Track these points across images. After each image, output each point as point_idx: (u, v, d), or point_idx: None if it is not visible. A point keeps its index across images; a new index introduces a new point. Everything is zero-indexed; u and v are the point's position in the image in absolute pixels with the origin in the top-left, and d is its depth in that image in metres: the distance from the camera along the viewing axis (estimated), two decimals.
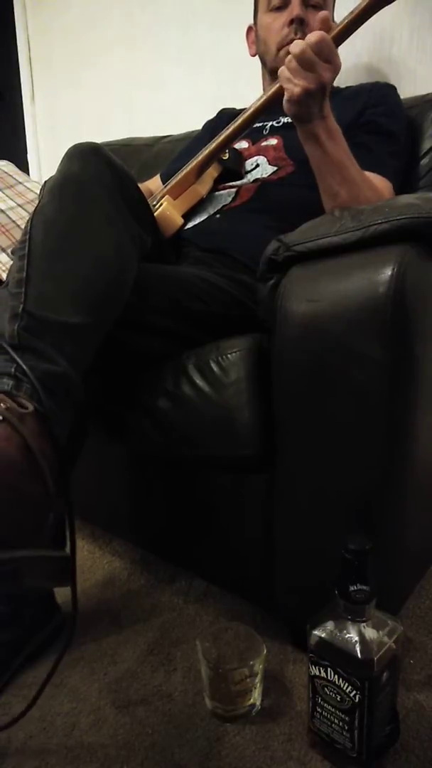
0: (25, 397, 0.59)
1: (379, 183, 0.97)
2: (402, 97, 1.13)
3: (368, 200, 0.86)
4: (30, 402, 0.59)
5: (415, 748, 0.67)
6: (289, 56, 0.80)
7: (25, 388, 0.60)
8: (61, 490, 0.62)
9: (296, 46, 0.79)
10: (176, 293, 0.85)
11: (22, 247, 0.70)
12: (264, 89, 1.24)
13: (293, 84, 0.81)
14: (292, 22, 1.10)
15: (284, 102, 0.84)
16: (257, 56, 1.24)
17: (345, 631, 0.61)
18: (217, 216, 1.09)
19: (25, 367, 0.60)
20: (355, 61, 1.34)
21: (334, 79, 0.82)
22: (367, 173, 0.93)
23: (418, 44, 1.26)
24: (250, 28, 1.25)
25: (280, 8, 1.13)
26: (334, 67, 0.81)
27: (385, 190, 0.99)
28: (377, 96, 1.11)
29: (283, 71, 0.82)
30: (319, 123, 0.84)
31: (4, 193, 1.27)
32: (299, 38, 0.86)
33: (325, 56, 0.79)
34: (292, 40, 0.85)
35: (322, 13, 0.84)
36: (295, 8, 1.10)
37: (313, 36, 0.79)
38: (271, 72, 1.19)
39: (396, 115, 1.09)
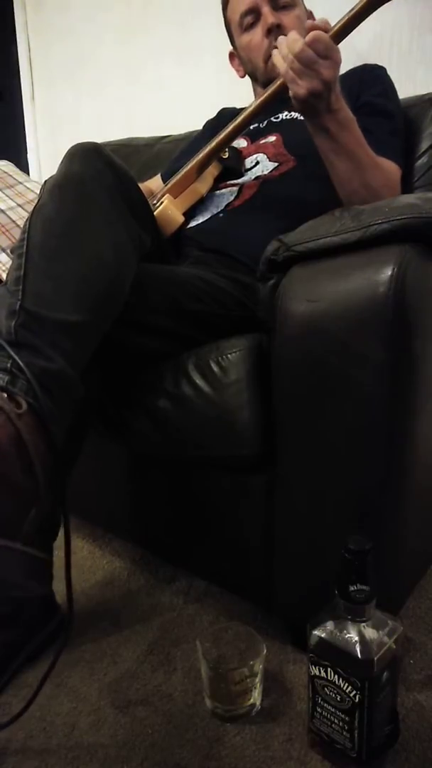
0: (20, 393, 0.59)
1: (386, 165, 0.98)
2: (402, 97, 1.13)
3: (378, 183, 0.89)
4: (25, 398, 0.59)
5: (415, 748, 0.67)
6: (292, 57, 0.80)
7: (20, 384, 0.60)
8: (53, 489, 0.61)
9: (295, 44, 0.79)
10: (176, 293, 0.85)
11: (20, 245, 0.70)
12: None
13: (297, 85, 0.81)
14: (269, 31, 1.10)
15: (291, 99, 0.84)
16: (247, 77, 1.23)
17: (345, 631, 0.61)
18: (221, 215, 1.09)
19: (21, 363, 0.60)
20: (356, 61, 1.34)
21: (336, 74, 0.82)
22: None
23: (418, 44, 1.26)
24: (231, 54, 1.26)
25: (253, 24, 1.13)
26: (334, 62, 0.81)
27: (393, 169, 0.99)
28: (370, 77, 1.11)
29: (287, 72, 0.82)
30: (328, 116, 0.85)
31: (4, 193, 1.27)
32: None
33: (323, 53, 0.79)
34: (275, 47, 0.85)
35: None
36: (267, 17, 1.10)
37: (309, 36, 0.79)
38: (264, 84, 1.18)
39: (390, 94, 1.09)
